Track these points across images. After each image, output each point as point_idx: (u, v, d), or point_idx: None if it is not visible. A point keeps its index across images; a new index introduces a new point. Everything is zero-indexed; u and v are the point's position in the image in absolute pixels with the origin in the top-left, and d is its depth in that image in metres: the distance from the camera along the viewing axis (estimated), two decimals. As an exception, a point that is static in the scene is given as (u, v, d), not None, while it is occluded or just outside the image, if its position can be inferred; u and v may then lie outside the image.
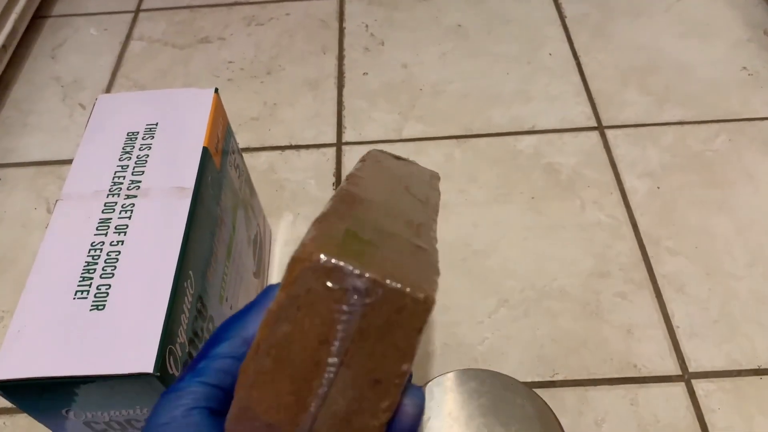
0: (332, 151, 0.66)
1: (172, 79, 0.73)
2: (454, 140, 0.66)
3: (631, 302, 0.53)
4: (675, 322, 0.52)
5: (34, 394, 0.33)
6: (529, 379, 0.49)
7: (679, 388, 0.48)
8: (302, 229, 0.60)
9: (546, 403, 0.46)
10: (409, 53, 0.75)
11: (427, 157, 0.64)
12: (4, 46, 0.71)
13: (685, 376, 0.49)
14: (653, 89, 0.69)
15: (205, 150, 0.41)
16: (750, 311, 0.52)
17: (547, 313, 0.53)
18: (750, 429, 0.46)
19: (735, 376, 0.49)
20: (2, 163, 0.67)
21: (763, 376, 0.48)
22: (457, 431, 0.44)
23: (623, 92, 0.69)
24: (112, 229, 0.37)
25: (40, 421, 0.36)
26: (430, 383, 0.46)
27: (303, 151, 0.66)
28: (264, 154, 0.66)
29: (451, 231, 0.58)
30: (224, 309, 0.43)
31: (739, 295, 0.53)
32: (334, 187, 0.63)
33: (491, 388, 0.46)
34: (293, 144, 0.67)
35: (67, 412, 0.35)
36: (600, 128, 0.66)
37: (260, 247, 0.54)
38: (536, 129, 0.66)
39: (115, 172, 0.40)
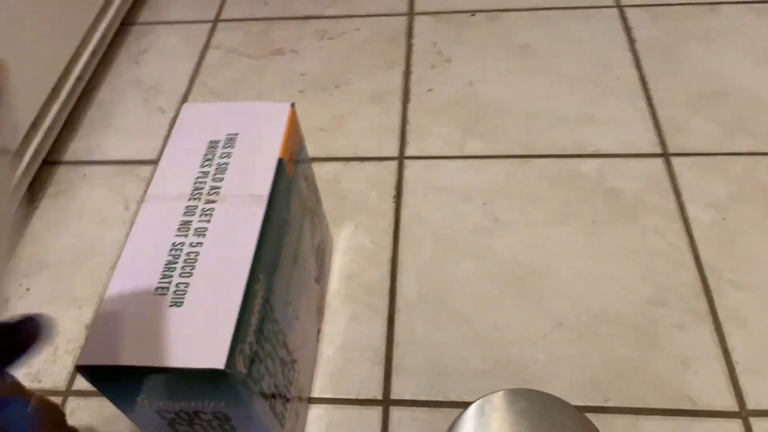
0: (394, 164, 0.67)
1: (246, 88, 0.77)
2: (516, 159, 0.66)
3: (689, 333, 0.52)
4: (735, 356, 0.51)
5: (115, 380, 0.36)
6: (580, 404, 0.49)
7: (736, 425, 0.47)
8: (362, 238, 0.61)
9: (597, 430, 0.46)
10: (475, 71, 0.76)
11: (487, 174, 0.65)
12: (94, 51, 0.76)
13: (743, 413, 0.48)
14: (723, 118, 0.68)
15: (280, 161, 0.44)
16: (816, 352, 0.50)
17: (601, 338, 0.53)
18: (809, 473, 0.45)
19: (796, 417, 0.47)
20: (87, 160, 0.72)
21: (826, 420, 0.47)
22: (505, 449, 0.44)
23: (691, 119, 0.68)
24: (192, 231, 0.40)
25: (116, 405, 0.39)
26: (479, 400, 0.47)
27: (366, 163, 0.68)
28: (329, 165, 0.68)
29: (508, 249, 0.59)
30: (288, 312, 0.45)
31: (805, 334, 0.51)
32: (394, 200, 0.64)
33: (542, 410, 0.46)
34: (358, 156, 0.69)
35: (142, 399, 0.38)
36: (665, 155, 0.65)
37: (323, 253, 0.56)
38: (600, 152, 0.66)
39: (197, 178, 0.43)
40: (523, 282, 0.57)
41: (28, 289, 0.61)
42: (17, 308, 0.60)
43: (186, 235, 0.40)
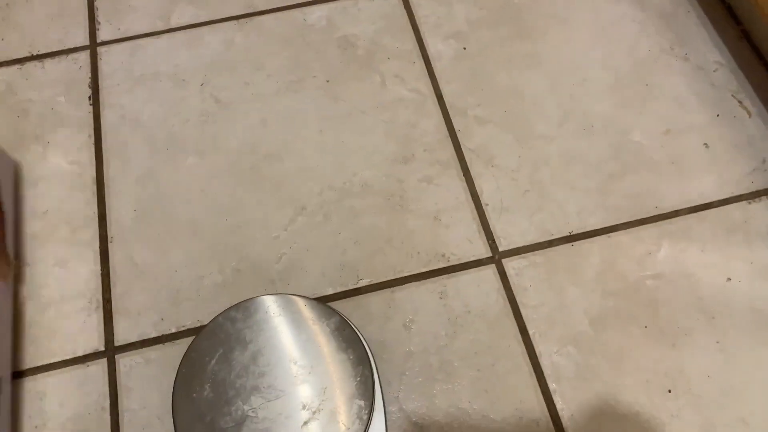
0: (85, 55, 0.54)
1: None
2: (234, 22, 0.55)
3: (437, 185, 0.48)
4: (484, 199, 0.47)
5: None
6: (331, 291, 0.44)
7: (490, 271, 0.45)
8: (55, 159, 0.49)
9: (343, 318, 0.41)
10: None
11: (203, 47, 0.54)
12: None
13: (496, 257, 0.45)
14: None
15: None
16: (560, 174, 0.48)
17: (348, 214, 0.47)
18: (561, 302, 0.44)
19: (546, 247, 0.46)
20: None
21: (574, 243, 0.46)
22: (252, 370, 0.39)
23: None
24: None
25: None
26: (210, 323, 0.40)
27: (48, 61, 0.53)
28: (-2, 72, 0.53)
29: (235, 135, 0.50)
30: None
31: (550, 158, 0.49)
32: (91, 102, 0.52)
33: (282, 314, 0.41)
34: (35, 53, 0.54)
35: None
36: (400, -14, 0.57)
37: (-9, 195, 0.44)
38: (327, -4, 0.56)
39: None
40: (257, 170, 0.49)
41: None
42: None
43: None
